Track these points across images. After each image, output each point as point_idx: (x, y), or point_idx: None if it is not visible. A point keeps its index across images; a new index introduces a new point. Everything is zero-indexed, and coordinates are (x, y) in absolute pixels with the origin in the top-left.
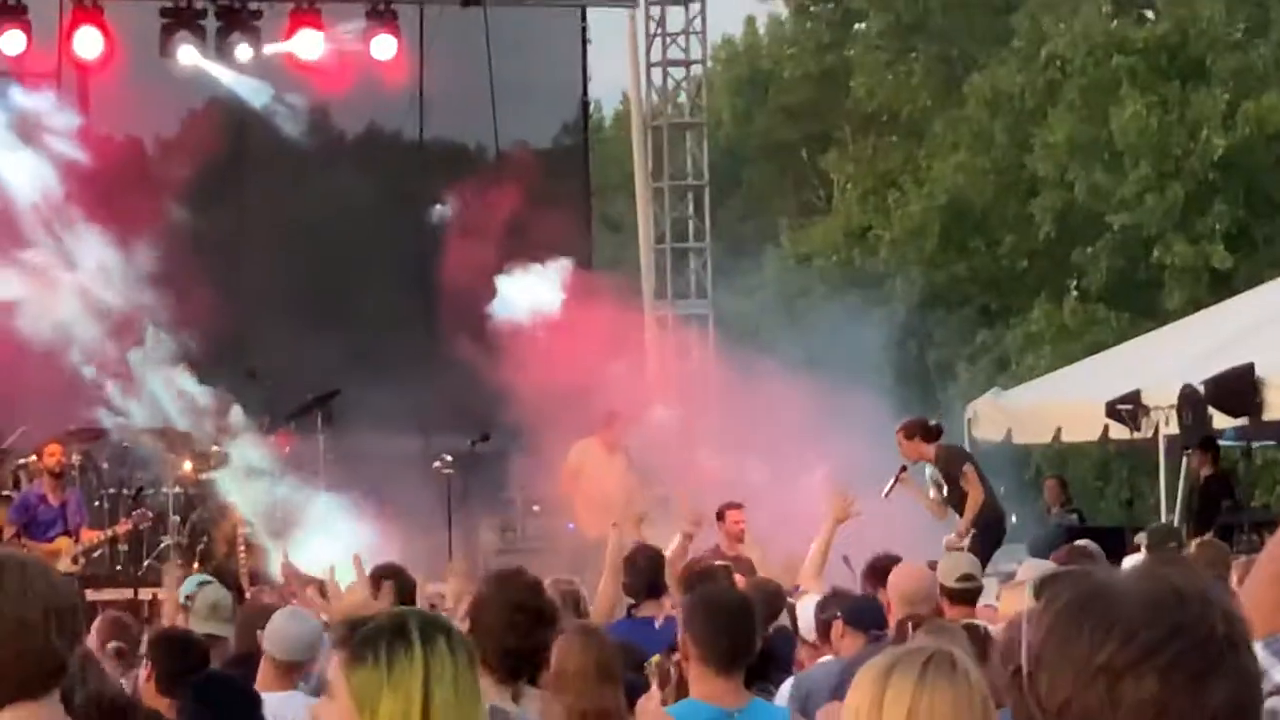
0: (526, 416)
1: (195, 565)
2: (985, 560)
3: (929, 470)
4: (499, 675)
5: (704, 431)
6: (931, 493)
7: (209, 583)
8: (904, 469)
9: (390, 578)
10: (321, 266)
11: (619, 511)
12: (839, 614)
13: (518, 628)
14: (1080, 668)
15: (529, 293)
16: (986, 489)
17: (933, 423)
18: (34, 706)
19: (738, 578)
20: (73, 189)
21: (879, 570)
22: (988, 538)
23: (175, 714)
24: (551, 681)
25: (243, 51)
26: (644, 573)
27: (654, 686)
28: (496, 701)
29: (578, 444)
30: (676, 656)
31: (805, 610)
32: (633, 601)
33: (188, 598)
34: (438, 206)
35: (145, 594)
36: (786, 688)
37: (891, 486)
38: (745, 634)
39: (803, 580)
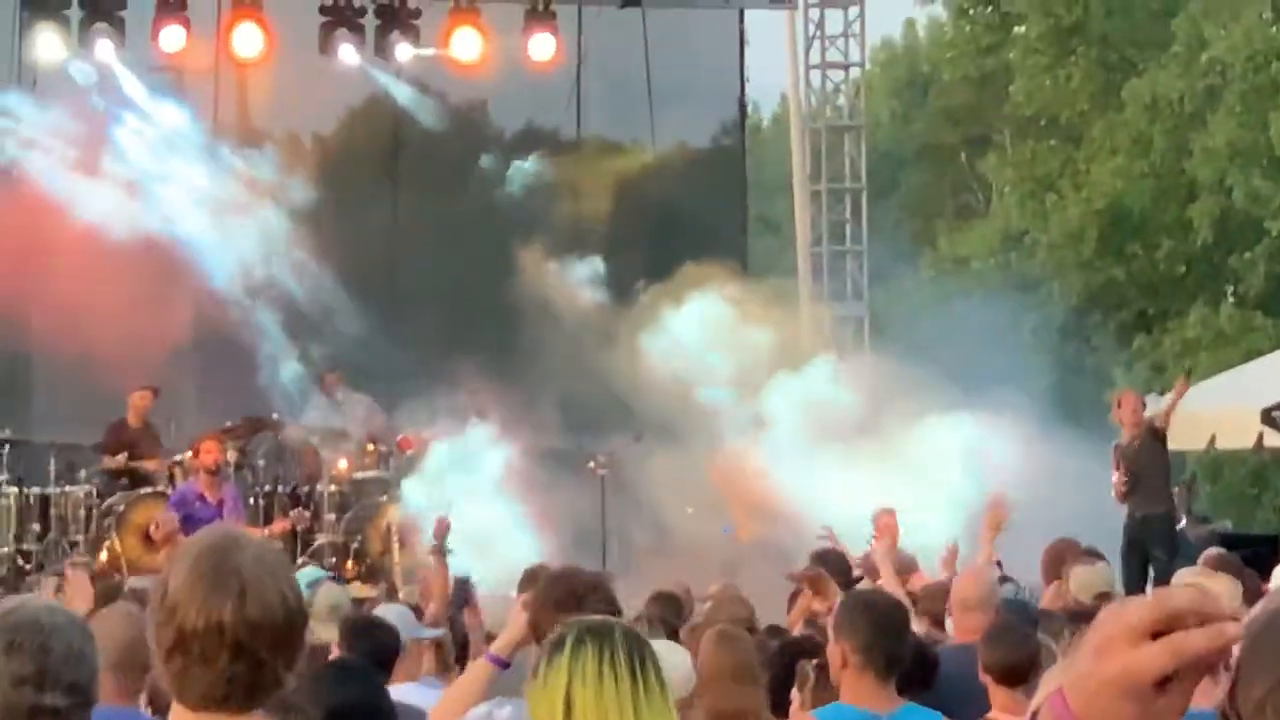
0: (680, 417)
1: (350, 564)
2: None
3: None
4: None
5: (858, 435)
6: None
7: (324, 580)
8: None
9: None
10: (475, 264)
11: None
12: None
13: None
14: (1270, 665)
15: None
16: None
17: None
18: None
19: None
20: (230, 188)
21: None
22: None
23: None
24: (696, 685)
25: (402, 51)
26: (837, 574)
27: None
28: None
29: (730, 446)
30: (815, 660)
31: None
32: None
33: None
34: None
35: None
36: None
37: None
38: (898, 639)
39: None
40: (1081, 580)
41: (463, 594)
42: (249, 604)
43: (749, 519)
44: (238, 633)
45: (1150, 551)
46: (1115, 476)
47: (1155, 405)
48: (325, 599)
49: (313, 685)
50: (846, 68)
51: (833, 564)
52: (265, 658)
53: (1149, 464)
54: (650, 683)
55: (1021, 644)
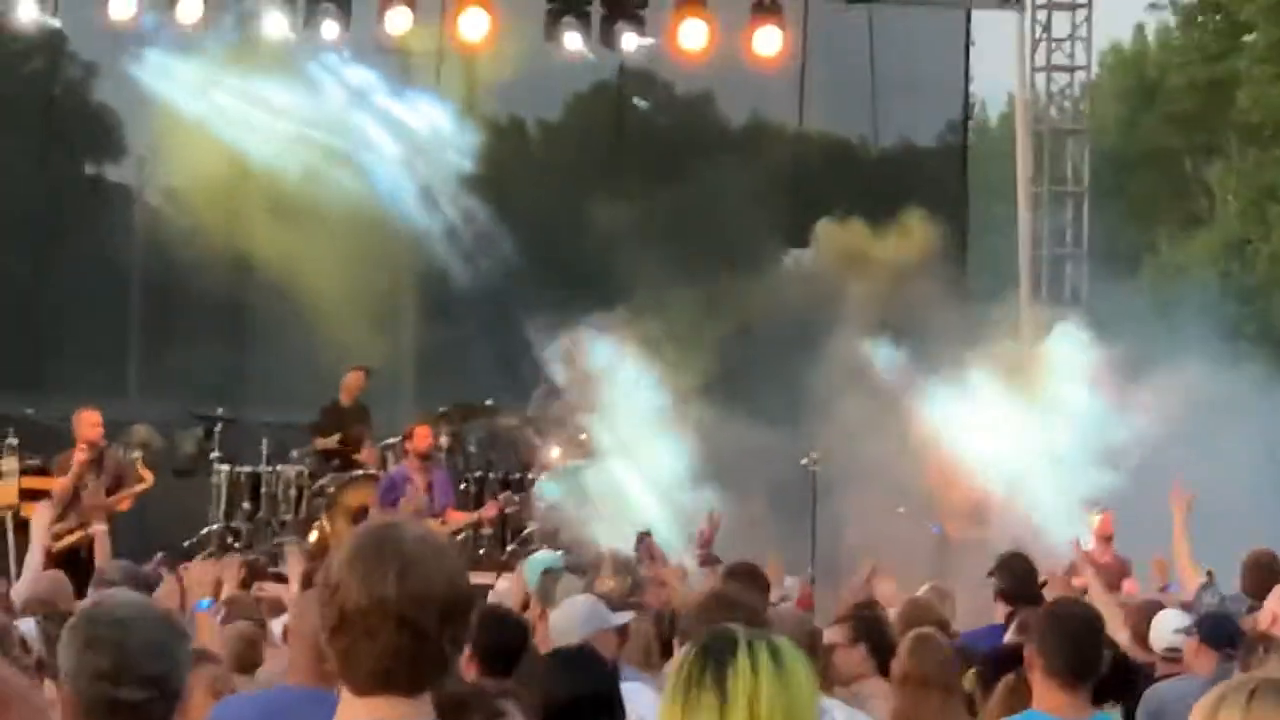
0: (896, 416)
1: (560, 552)
2: None
3: None
4: None
5: (1076, 438)
6: None
7: (559, 571)
8: None
9: (739, 575)
10: (697, 254)
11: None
12: (1195, 630)
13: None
14: None
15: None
16: None
17: None
18: (404, 704)
19: (1096, 587)
20: (453, 171)
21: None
22: None
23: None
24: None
25: (627, 40)
26: (1020, 579)
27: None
28: None
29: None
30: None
31: (1160, 625)
32: (1010, 609)
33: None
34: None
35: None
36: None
37: None
38: (1091, 648)
39: (1181, 575)
40: None
41: (644, 548)
42: (410, 578)
43: (960, 518)
44: (401, 606)
45: None
46: None
47: None
48: (564, 590)
49: (545, 674)
50: (1073, 70)
51: (1019, 571)
52: (431, 632)
53: None
54: (698, 695)
55: None
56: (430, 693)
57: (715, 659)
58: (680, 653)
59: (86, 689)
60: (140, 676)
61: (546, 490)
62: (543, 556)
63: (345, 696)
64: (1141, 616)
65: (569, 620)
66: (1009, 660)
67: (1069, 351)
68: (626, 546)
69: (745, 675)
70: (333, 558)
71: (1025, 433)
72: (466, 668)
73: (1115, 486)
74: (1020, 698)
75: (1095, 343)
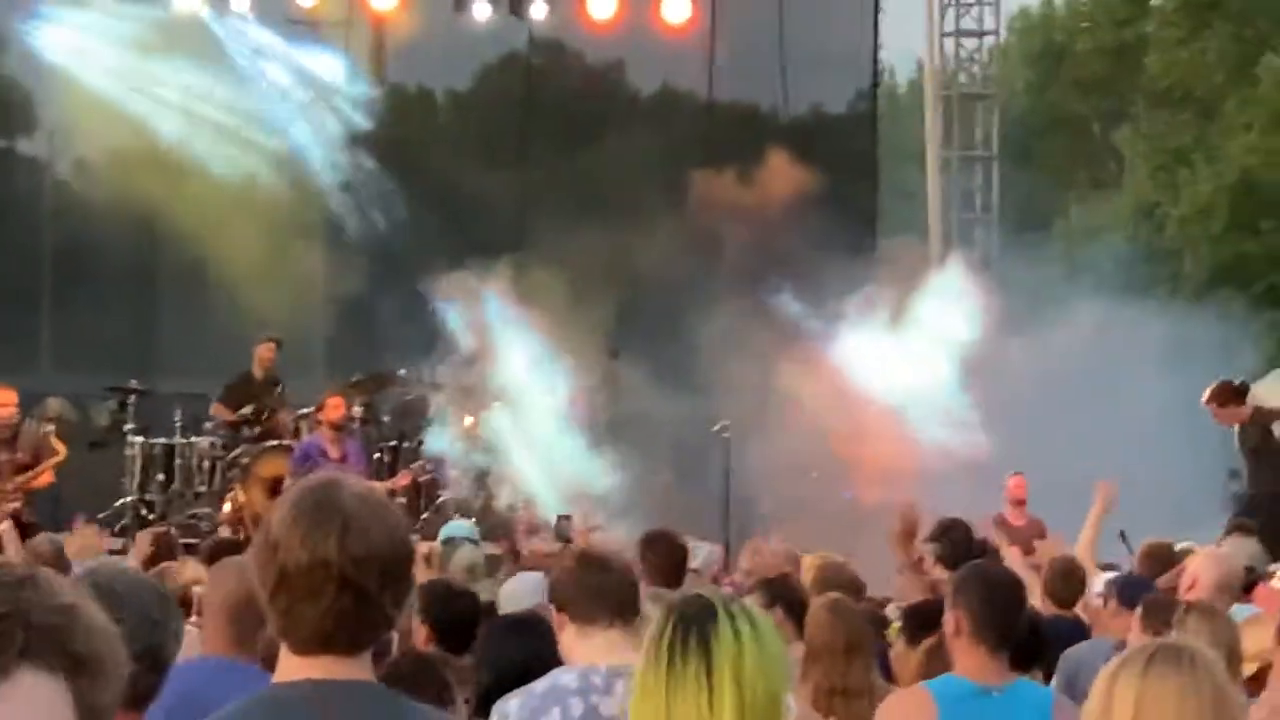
0: (808, 382)
1: (473, 520)
2: None
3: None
4: None
5: (981, 402)
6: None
7: (462, 541)
8: None
9: (658, 543)
10: (606, 224)
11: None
12: (1111, 593)
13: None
14: None
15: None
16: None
17: (1238, 382)
18: (343, 663)
19: (1011, 551)
20: (362, 142)
21: (1155, 555)
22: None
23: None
24: (803, 657)
25: (537, 8)
26: (959, 545)
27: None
28: None
29: (856, 411)
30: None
31: (1092, 588)
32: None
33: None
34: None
35: (422, 548)
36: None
37: None
38: (1013, 613)
39: (1079, 558)
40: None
41: (564, 530)
42: (352, 538)
43: (872, 484)
44: (343, 567)
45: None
46: None
47: None
48: (460, 560)
49: (493, 639)
50: (981, 35)
51: (958, 538)
52: (372, 592)
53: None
54: (683, 662)
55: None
56: (371, 652)
57: (698, 626)
58: (657, 620)
59: None
60: (133, 649)
61: (437, 446)
62: (455, 525)
63: (284, 655)
64: (1054, 573)
65: (520, 592)
66: (928, 617)
67: (956, 298)
68: (538, 512)
69: (728, 641)
70: (273, 516)
71: (917, 388)
72: (423, 643)
73: (1003, 442)
74: (941, 660)
75: (987, 291)
